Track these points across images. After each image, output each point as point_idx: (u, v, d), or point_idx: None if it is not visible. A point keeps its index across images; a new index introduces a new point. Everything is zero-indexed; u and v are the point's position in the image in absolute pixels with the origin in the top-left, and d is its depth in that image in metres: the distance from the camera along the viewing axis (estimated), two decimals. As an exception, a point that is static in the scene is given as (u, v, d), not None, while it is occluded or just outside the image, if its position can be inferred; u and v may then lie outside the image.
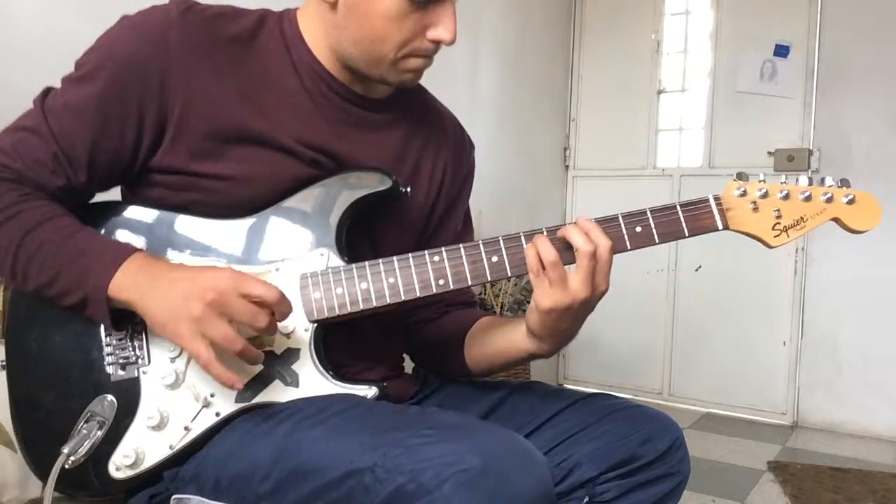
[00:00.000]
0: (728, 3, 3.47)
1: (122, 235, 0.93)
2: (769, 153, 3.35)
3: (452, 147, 1.13)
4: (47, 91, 0.93)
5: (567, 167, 3.87)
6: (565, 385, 3.66)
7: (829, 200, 0.93)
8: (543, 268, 0.88)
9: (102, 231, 0.92)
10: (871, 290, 3.16)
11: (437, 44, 0.93)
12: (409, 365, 1.15)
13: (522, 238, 0.91)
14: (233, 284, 0.80)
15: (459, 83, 3.04)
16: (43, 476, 0.88)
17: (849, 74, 3.20)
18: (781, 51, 3.32)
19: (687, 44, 3.63)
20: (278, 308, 0.82)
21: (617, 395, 1.03)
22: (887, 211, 0.96)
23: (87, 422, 0.87)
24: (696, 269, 3.49)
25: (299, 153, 0.94)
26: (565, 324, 0.90)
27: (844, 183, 0.94)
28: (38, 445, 0.90)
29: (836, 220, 0.93)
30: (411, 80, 0.97)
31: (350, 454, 0.76)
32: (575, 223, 0.89)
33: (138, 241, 0.92)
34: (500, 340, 1.00)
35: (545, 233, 0.91)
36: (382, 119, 1.03)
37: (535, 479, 0.72)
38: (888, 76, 3.12)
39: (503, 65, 3.33)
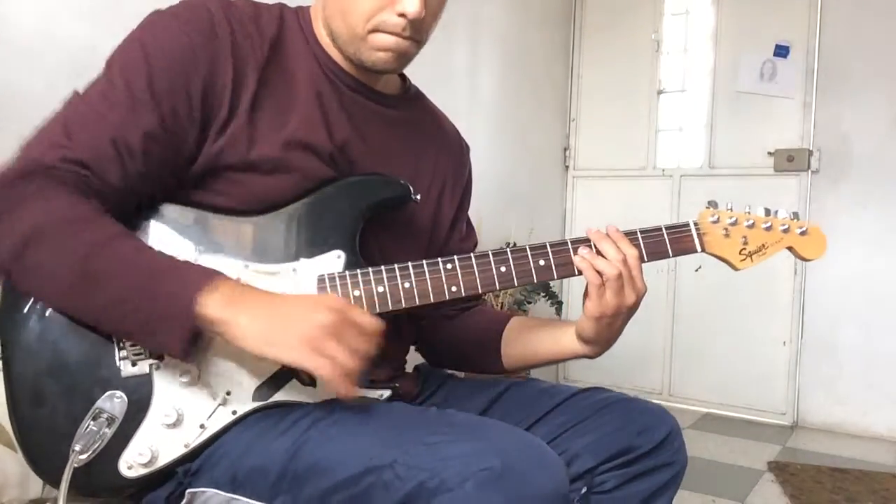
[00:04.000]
0: (728, 3, 3.47)
1: (148, 230, 0.91)
2: (769, 153, 3.35)
3: (453, 152, 1.15)
4: (79, 93, 0.89)
5: (567, 167, 3.87)
6: (564, 384, 3.66)
7: (786, 231, 1.04)
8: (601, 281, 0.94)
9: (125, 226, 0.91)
10: (871, 290, 3.16)
11: (403, 17, 0.90)
12: (409, 363, 1.15)
13: (528, 251, 0.96)
14: (345, 310, 0.80)
15: (459, 83, 3.04)
16: (43, 475, 0.87)
17: (849, 74, 3.20)
18: (781, 51, 3.32)
19: (687, 44, 3.63)
20: (374, 340, 0.82)
21: (608, 389, 1.05)
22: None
23: (94, 419, 0.85)
24: (696, 270, 3.50)
25: (322, 149, 0.95)
26: (616, 326, 0.98)
27: (795, 216, 1.05)
28: (39, 443, 0.87)
29: (790, 248, 1.04)
30: (385, 61, 0.94)
31: (369, 451, 0.77)
32: (600, 233, 0.97)
33: (161, 237, 0.91)
34: (546, 343, 1.06)
35: (569, 244, 0.97)
36: (390, 115, 1.05)
37: (553, 479, 0.74)
38: (888, 76, 3.12)
39: (503, 65, 3.33)
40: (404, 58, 0.96)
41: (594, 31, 3.82)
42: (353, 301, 0.91)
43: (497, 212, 3.08)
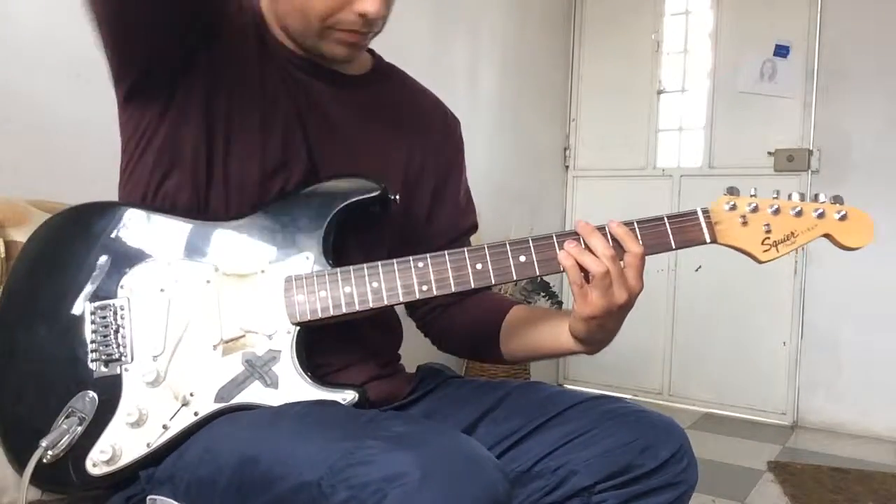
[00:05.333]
0: (728, 3, 3.48)
1: (123, 235, 0.93)
2: (769, 153, 3.35)
3: (431, 127, 1.12)
4: None
5: (567, 167, 3.87)
6: (565, 385, 3.66)
7: (821, 216, 0.92)
8: (587, 280, 0.88)
9: (95, 233, 0.93)
10: (871, 290, 3.16)
11: (363, 17, 0.90)
12: (410, 362, 1.15)
13: (508, 247, 0.92)
14: None
15: (459, 83, 3.04)
16: (20, 469, 0.88)
17: (849, 74, 3.20)
18: (781, 51, 3.32)
19: (687, 44, 3.63)
20: None
21: (619, 397, 1.01)
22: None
23: (67, 417, 0.87)
24: (696, 270, 3.50)
25: (268, 132, 0.96)
26: (608, 326, 0.91)
27: (837, 199, 0.93)
28: (18, 439, 0.90)
29: (827, 235, 0.93)
30: (344, 54, 0.96)
31: (300, 466, 0.75)
32: (589, 226, 0.90)
33: (136, 242, 0.93)
34: (546, 338, 1.00)
35: (554, 239, 0.91)
36: (353, 97, 1.03)
37: (483, 486, 0.70)
38: (888, 76, 3.12)
39: (503, 65, 3.33)
40: (361, 49, 0.98)
41: (594, 31, 3.82)
42: (318, 302, 0.90)
43: (497, 212, 3.08)
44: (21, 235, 1.02)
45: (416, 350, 1.16)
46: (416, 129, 1.10)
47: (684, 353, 3.57)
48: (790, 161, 3.29)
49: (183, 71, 0.92)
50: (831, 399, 3.27)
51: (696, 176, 3.55)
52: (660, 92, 3.66)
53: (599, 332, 0.92)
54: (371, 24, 0.92)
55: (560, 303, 3.29)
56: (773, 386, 3.37)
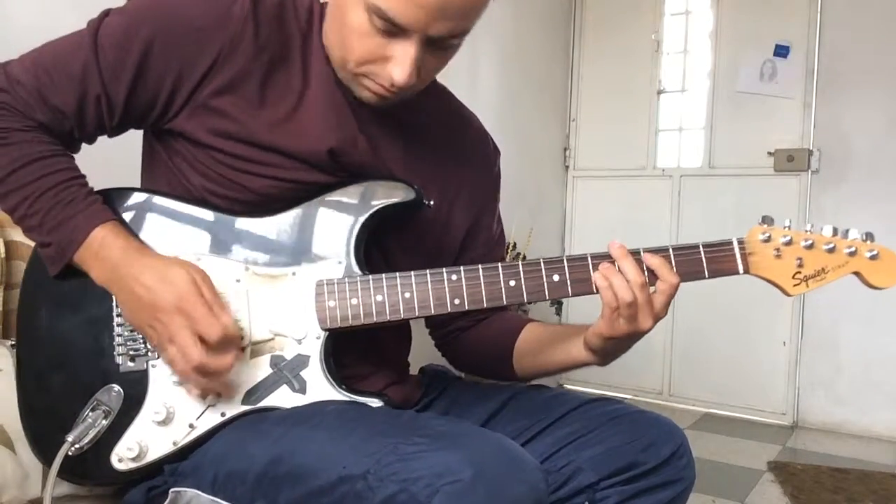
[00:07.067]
0: (728, 3, 3.47)
1: (148, 226, 0.92)
2: (769, 153, 3.35)
3: (475, 157, 1.11)
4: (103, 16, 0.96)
5: (567, 167, 3.87)
6: (566, 385, 3.66)
7: (853, 254, 0.91)
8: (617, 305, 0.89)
9: (127, 219, 0.92)
10: (871, 290, 3.15)
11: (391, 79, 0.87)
12: (414, 367, 1.15)
13: (542, 265, 0.91)
14: (184, 320, 0.82)
15: (459, 83, 3.02)
16: (44, 459, 0.89)
17: (849, 74, 3.20)
18: (781, 51, 3.32)
19: (687, 44, 3.63)
20: (217, 349, 0.83)
21: (618, 397, 1.03)
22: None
23: (92, 410, 0.87)
24: (696, 269, 3.50)
25: (320, 158, 0.94)
26: (626, 344, 0.94)
27: (869, 237, 0.92)
28: (41, 428, 0.90)
29: (856, 273, 0.92)
30: (372, 101, 0.92)
31: (343, 459, 0.76)
32: (623, 249, 0.90)
33: (162, 234, 0.92)
34: (558, 353, 1.02)
35: (589, 260, 0.91)
36: (405, 118, 1.01)
37: (528, 486, 0.72)
38: (888, 76, 3.12)
39: (503, 65, 3.33)
40: (392, 102, 0.93)
41: (594, 31, 3.82)
42: (349, 309, 0.90)
43: (497, 212, 3.07)
44: (21, 235, 1.02)
45: (414, 349, 1.15)
46: (456, 159, 1.08)
47: (684, 353, 3.57)
48: (790, 161, 3.29)
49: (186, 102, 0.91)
50: (831, 399, 3.27)
51: (697, 176, 3.55)
52: (660, 92, 3.66)
53: (615, 349, 0.95)
54: (401, 88, 0.88)
55: (560, 303, 3.30)
56: (773, 386, 3.37)
